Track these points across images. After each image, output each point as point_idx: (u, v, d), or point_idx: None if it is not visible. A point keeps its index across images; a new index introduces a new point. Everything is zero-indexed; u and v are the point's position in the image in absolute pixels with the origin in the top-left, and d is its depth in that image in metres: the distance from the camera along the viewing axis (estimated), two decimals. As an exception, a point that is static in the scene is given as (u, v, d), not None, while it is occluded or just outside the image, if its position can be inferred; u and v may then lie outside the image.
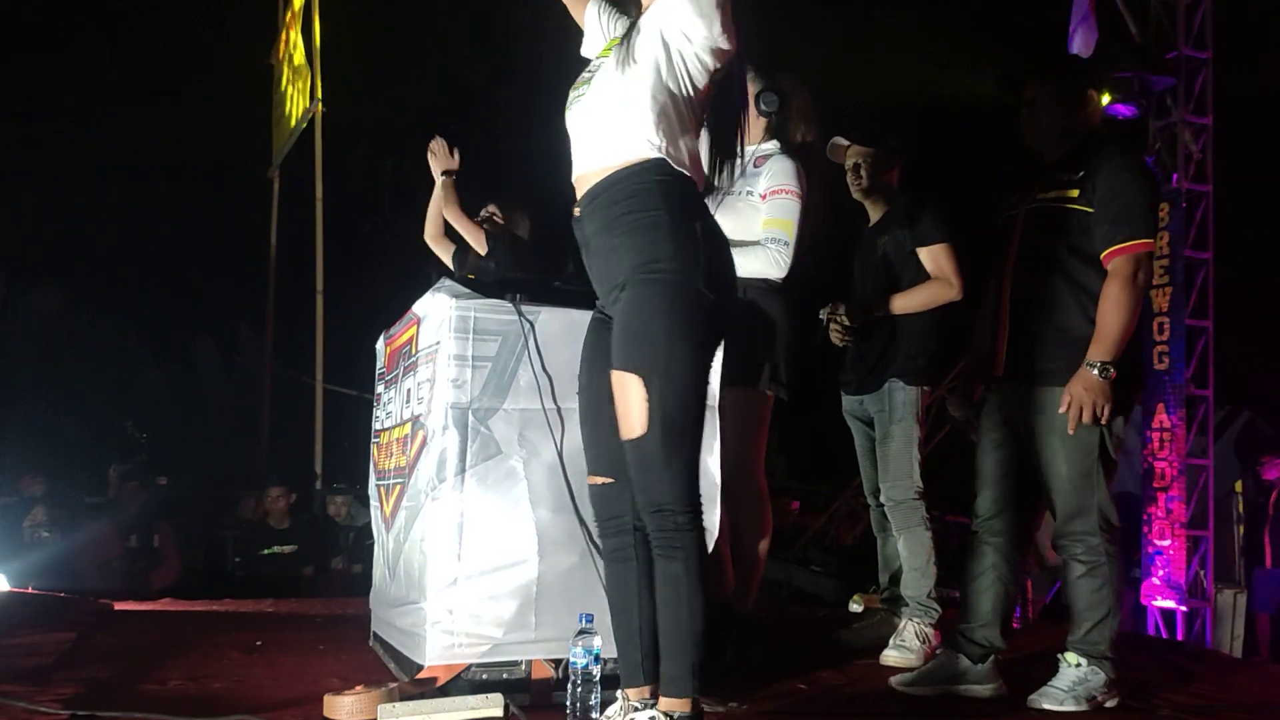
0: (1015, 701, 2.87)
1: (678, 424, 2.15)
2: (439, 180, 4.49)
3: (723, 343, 2.36)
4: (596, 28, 2.50)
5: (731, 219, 3.00)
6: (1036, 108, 3.02)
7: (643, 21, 2.26)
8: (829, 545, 8.13)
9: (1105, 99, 8.18)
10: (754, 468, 3.21)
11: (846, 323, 3.56)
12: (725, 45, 2.21)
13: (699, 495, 2.20)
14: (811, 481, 11.29)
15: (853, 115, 3.92)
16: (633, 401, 2.15)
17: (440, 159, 4.48)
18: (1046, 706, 2.80)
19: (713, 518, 2.67)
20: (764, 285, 3.15)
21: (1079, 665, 2.84)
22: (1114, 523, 2.87)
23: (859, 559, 6.09)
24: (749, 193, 3.17)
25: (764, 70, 3.22)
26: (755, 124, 3.18)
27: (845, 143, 3.66)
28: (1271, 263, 9.29)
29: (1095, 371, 2.75)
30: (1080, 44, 8.14)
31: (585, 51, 2.53)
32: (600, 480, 2.33)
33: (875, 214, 3.74)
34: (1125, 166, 2.87)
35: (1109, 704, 2.84)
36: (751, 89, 3.10)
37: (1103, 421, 2.77)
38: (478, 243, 4.41)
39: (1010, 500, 2.97)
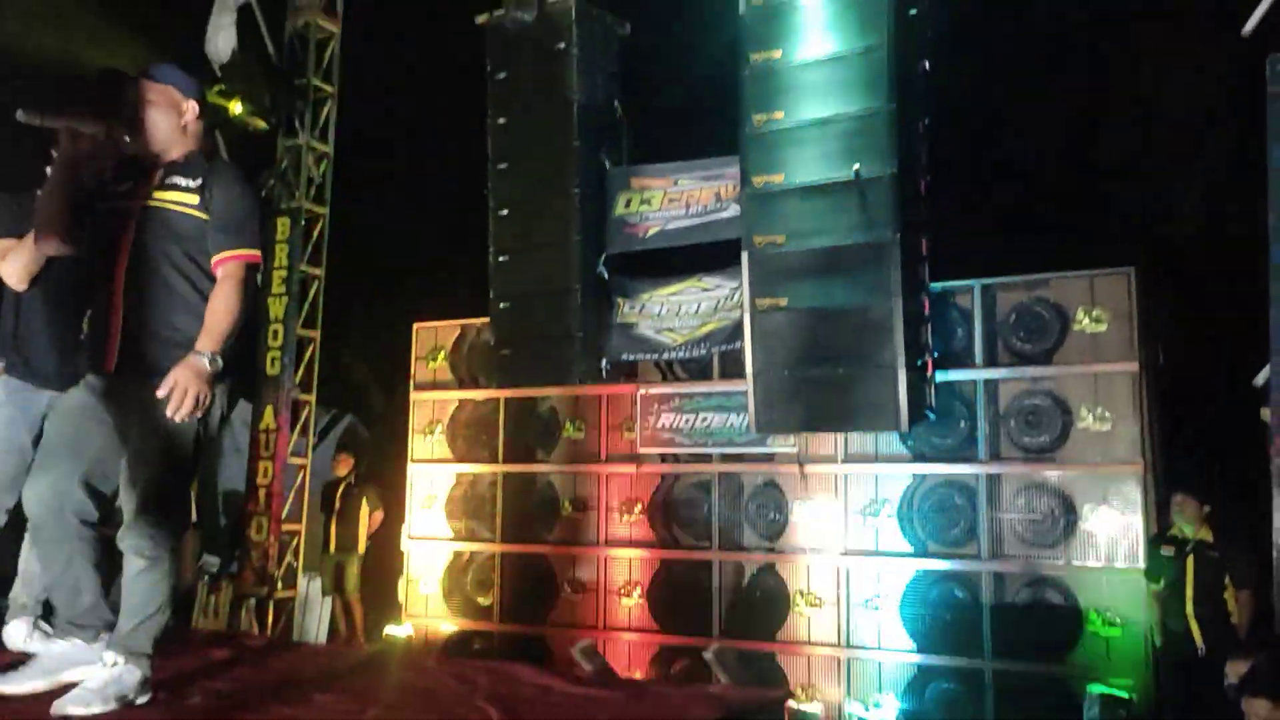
0: (43, 707, 2.76)
1: None
2: None
3: None
4: None
5: None
6: (150, 110, 3.04)
7: None
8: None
9: (237, 107, 8.46)
10: None
11: None
12: None
13: None
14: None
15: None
16: None
17: None
18: (72, 711, 2.74)
19: None
20: None
21: (115, 664, 2.84)
22: (186, 521, 3.00)
23: None
24: None
25: None
26: None
27: None
28: (373, 280, 10.62)
29: (203, 360, 2.86)
30: (220, 49, 8.31)
31: None
32: None
33: None
34: (240, 181, 3.08)
35: (140, 700, 2.88)
36: None
37: (202, 406, 2.85)
38: None
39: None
